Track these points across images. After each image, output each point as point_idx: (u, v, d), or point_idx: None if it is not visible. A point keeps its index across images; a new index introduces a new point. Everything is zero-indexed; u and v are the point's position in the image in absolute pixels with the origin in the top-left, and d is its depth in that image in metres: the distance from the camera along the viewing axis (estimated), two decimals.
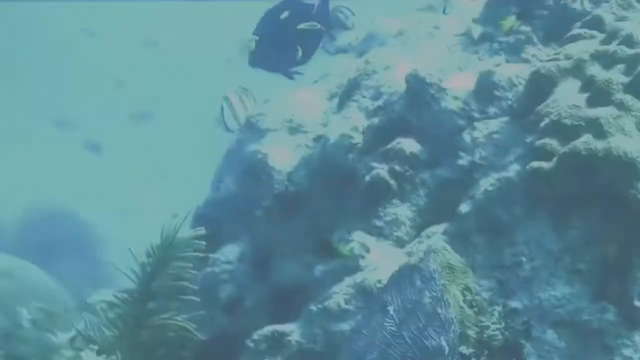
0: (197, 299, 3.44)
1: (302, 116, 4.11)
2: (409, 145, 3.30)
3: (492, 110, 3.24)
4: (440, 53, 3.74)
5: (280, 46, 4.41)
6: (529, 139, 2.96)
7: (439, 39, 3.85)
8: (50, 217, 9.99)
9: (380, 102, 3.58)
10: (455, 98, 3.29)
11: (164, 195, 11.39)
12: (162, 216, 3.73)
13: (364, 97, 3.68)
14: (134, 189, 12.70)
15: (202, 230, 3.58)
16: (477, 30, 3.66)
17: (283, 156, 3.93)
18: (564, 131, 2.73)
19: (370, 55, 3.95)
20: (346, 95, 3.80)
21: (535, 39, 3.46)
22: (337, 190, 3.55)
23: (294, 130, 4.08)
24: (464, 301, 2.59)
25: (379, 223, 3.23)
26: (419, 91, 3.33)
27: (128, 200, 12.42)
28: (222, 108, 4.33)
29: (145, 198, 12.23)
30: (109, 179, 12.44)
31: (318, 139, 3.96)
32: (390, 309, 2.55)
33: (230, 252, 3.98)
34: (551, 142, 2.73)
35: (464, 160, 3.18)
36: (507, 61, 3.46)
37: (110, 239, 10.06)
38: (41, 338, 4.06)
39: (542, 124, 2.82)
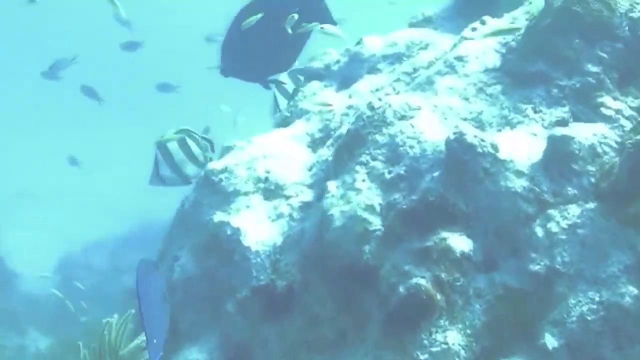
0: None
1: (280, 173, 3.13)
2: (459, 242, 2.38)
3: (570, 191, 2.34)
4: (471, 95, 2.80)
5: (256, 51, 3.51)
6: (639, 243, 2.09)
7: (460, 71, 2.91)
8: None
9: (400, 169, 2.63)
10: (519, 173, 2.37)
11: None
12: None
13: (374, 158, 2.72)
14: None
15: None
16: (520, 65, 2.74)
17: (261, 232, 2.96)
18: None
19: (371, 95, 2.99)
20: (346, 152, 2.83)
21: (608, 83, 2.58)
22: (345, 295, 2.61)
23: (271, 193, 3.09)
24: None
25: (422, 356, 2.29)
26: (468, 163, 2.40)
27: None
28: (155, 157, 3.33)
29: None
30: None
31: (305, 207, 2.99)
32: None
33: (191, 357, 2.99)
34: None
35: (537, 265, 2.29)
36: (573, 114, 2.56)
37: None
38: None
39: None
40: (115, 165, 14.03)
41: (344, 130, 3.12)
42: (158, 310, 2.22)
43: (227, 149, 3.36)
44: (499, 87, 2.77)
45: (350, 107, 3.29)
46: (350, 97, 3.36)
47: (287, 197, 3.05)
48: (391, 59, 3.40)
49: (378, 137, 2.75)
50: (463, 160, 2.40)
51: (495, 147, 2.39)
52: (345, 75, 3.52)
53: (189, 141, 3.47)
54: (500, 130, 2.60)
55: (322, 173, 3.07)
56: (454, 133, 2.43)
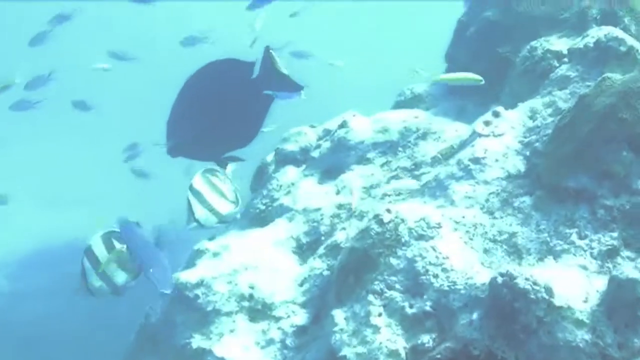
0: None
1: (266, 288, 2.70)
2: None
3: (637, 343, 1.99)
4: (496, 208, 2.44)
5: (208, 126, 3.05)
6: None
7: (479, 177, 2.54)
8: None
9: (425, 304, 2.24)
10: (579, 324, 2.00)
11: None
12: None
13: (390, 286, 2.32)
14: None
15: None
16: (555, 176, 2.39)
17: None
18: None
19: (380, 208, 2.59)
20: (353, 275, 2.42)
21: None
22: None
23: (258, 313, 2.66)
24: None
25: None
26: (519, 312, 2.02)
27: None
28: (82, 266, 2.88)
29: None
30: None
31: (300, 333, 2.57)
32: None
33: None
34: None
35: None
36: (625, 241, 2.22)
37: None
38: None
39: None
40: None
41: (338, 238, 2.72)
42: (149, 250, 2.50)
43: (198, 254, 2.89)
44: (527, 200, 2.41)
45: (340, 206, 2.87)
46: (338, 192, 2.94)
47: (277, 319, 2.62)
48: (383, 147, 3.01)
49: (392, 261, 2.34)
50: (513, 308, 2.02)
51: (549, 292, 2.01)
52: (328, 164, 3.11)
53: (117, 244, 2.93)
54: (542, 260, 2.24)
55: (317, 290, 2.65)
56: (502, 275, 2.04)
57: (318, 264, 2.70)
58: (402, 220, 2.40)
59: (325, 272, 2.65)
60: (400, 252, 2.35)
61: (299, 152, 3.26)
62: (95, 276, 2.88)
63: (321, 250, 2.74)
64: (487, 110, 2.96)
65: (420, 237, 2.36)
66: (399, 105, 3.30)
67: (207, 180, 2.85)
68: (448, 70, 3.36)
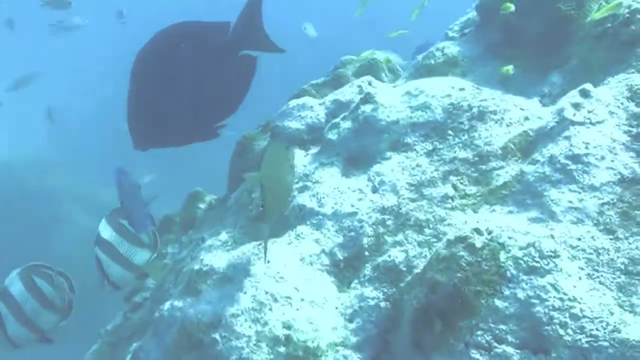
0: None
1: (305, 327, 2.09)
2: None
3: None
4: (616, 224, 1.91)
5: (177, 103, 2.34)
6: None
7: (583, 180, 2.00)
8: None
9: None
10: None
11: None
12: None
13: (500, 339, 1.77)
14: None
15: None
16: None
17: None
18: None
19: (462, 223, 2.02)
20: (439, 320, 1.85)
21: None
22: None
23: None
24: None
25: None
26: None
27: None
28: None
29: None
30: None
31: None
32: None
33: None
34: None
35: None
36: None
37: None
38: None
39: None
40: None
41: (394, 258, 2.12)
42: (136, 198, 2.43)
43: (199, 276, 2.23)
44: None
45: (384, 210, 2.26)
46: (374, 189, 2.33)
47: None
48: (424, 129, 2.40)
49: (498, 303, 1.78)
50: None
51: None
52: (353, 149, 2.47)
53: (39, 281, 2.53)
54: None
55: (373, 327, 2.07)
56: None
57: (369, 292, 2.10)
58: (502, 246, 1.83)
59: (383, 304, 2.07)
60: (507, 292, 1.79)
61: (306, 130, 2.60)
62: (16, 323, 2.30)
63: (367, 270, 2.15)
64: (538, 78, 2.41)
65: (533, 271, 1.80)
66: (427, 70, 2.67)
67: (116, 226, 2.47)
68: (480, 26, 2.75)
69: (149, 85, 2.28)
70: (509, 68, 2.48)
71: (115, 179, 2.47)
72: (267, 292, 2.11)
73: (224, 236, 2.55)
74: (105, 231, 2.47)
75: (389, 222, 2.22)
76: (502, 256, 1.82)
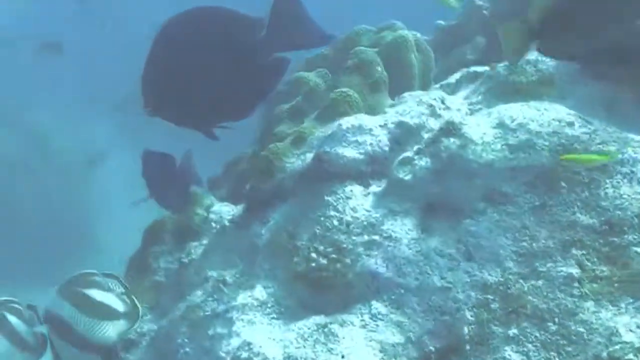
0: None
1: None
2: None
3: None
4: None
5: (196, 84, 2.07)
6: None
7: None
8: None
9: None
10: None
11: None
12: None
13: None
14: None
15: None
16: None
17: None
18: None
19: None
20: None
21: None
22: None
23: None
24: None
25: None
26: None
27: None
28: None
29: None
30: None
31: None
32: None
33: None
34: None
35: None
36: None
37: None
38: None
39: None
40: None
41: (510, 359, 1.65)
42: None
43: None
44: None
45: (485, 287, 1.78)
46: (469, 257, 1.85)
47: None
48: (528, 175, 1.90)
49: None
50: None
51: None
52: (433, 196, 1.96)
53: (11, 317, 2.25)
54: None
55: None
56: None
57: None
58: None
59: None
60: None
61: (365, 160, 2.08)
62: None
63: None
64: None
65: None
66: (515, 89, 2.15)
67: (80, 298, 2.12)
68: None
69: (169, 55, 2.01)
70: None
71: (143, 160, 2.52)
72: None
73: (261, 293, 2.04)
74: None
75: (495, 306, 1.74)
76: None
